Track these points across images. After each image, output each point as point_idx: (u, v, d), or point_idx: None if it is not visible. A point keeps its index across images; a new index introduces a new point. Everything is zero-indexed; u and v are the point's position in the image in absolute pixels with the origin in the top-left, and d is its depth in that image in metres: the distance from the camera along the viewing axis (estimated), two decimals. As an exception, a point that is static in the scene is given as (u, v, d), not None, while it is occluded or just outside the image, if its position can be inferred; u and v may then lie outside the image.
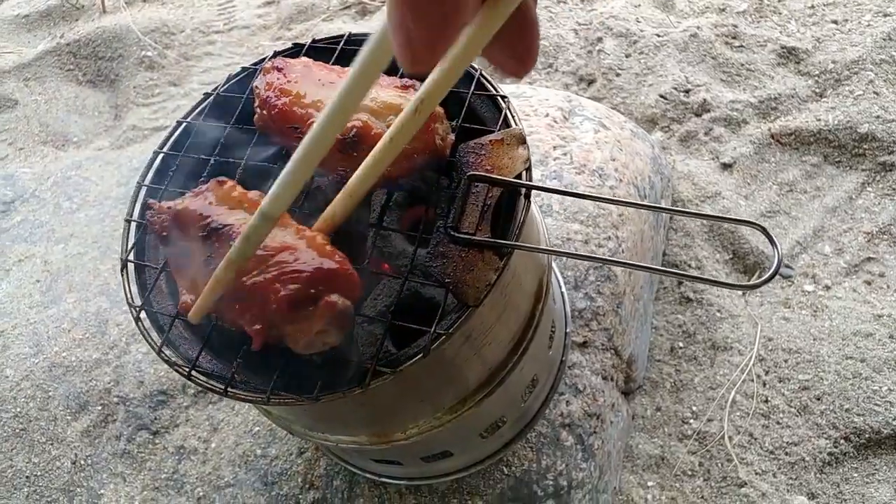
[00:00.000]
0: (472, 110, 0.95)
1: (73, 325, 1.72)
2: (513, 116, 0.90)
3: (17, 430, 1.61)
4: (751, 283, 0.69)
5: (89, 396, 1.59)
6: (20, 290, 1.93)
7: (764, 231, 0.70)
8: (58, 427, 1.59)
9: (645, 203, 0.80)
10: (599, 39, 2.48)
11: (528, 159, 0.84)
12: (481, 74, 0.96)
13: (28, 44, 3.17)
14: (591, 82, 2.41)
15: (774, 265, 0.68)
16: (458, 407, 0.98)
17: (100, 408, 1.58)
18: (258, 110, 0.89)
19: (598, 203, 1.51)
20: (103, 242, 2.01)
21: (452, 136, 0.88)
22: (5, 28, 3.25)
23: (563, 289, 1.40)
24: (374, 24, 2.80)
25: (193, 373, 0.82)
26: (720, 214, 0.76)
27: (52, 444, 1.58)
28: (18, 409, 1.63)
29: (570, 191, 0.83)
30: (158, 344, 0.87)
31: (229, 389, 0.80)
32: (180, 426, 1.52)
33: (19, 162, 2.73)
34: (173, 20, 3.06)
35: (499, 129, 0.88)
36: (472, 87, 0.94)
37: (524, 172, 0.84)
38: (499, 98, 0.93)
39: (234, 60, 2.91)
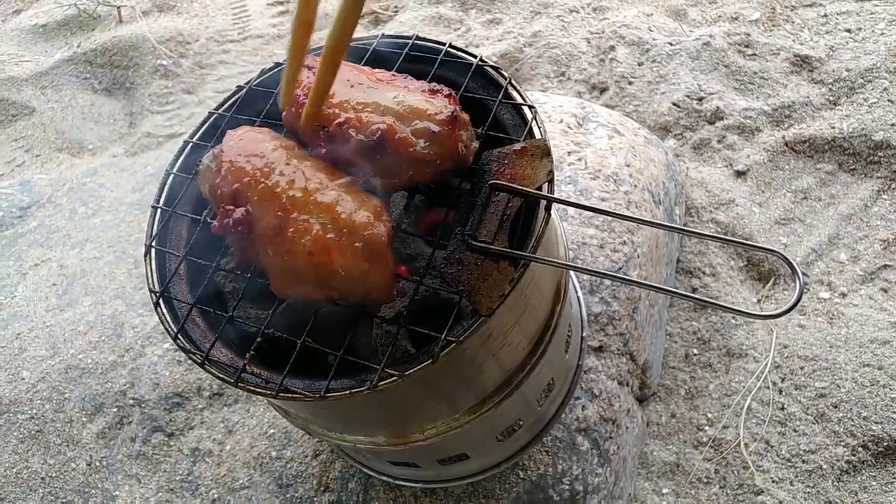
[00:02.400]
0: (499, 119, 0.94)
1: (89, 328, 1.73)
2: (539, 127, 0.90)
3: (33, 432, 1.62)
4: (771, 312, 0.69)
5: (105, 398, 1.60)
6: (37, 293, 1.94)
7: (786, 260, 0.69)
8: (73, 429, 1.60)
9: (676, 226, 0.80)
10: (612, 48, 2.48)
11: (552, 171, 0.84)
12: (510, 83, 0.96)
13: (45, 53, 3.21)
14: (603, 90, 2.42)
15: (796, 294, 0.68)
16: (476, 408, 0.98)
17: (115, 410, 1.59)
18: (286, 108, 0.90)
19: (613, 209, 1.51)
20: (118, 247, 2.02)
21: (476, 144, 0.89)
22: (23, 37, 3.30)
23: (580, 293, 1.40)
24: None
25: (206, 362, 0.83)
26: (746, 241, 0.76)
27: (67, 446, 1.58)
28: (34, 411, 1.63)
29: (595, 207, 0.82)
30: (175, 330, 0.87)
31: (240, 382, 0.81)
32: (195, 428, 1.52)
33: (36, 168, 2.76)
34: (188, 29, 3.09)
35: (524, 139, 0.88)
36: (500, 96, 0.94)
37: (546, 184, 0.84)
38: (526, 108, 0.93)
39: (248, 69, 2.93)
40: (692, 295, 0.72)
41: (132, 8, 3.26)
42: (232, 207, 0.81)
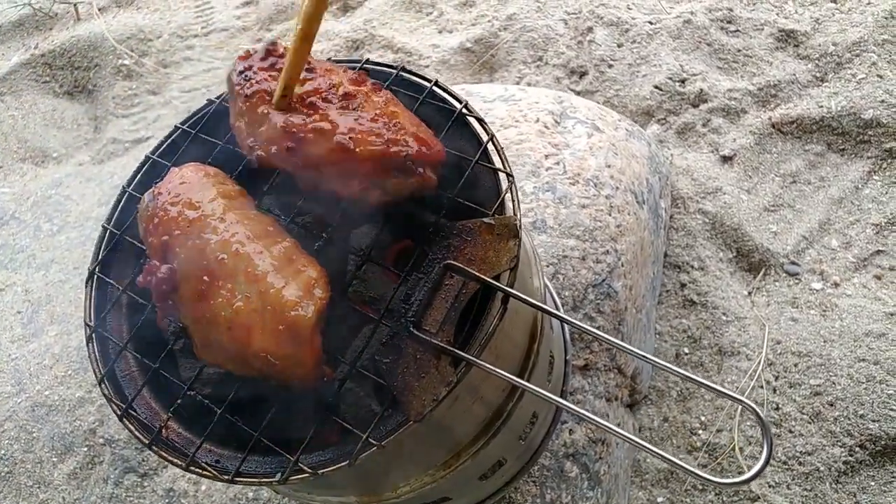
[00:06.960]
0: (473, 180, 0.85)
1: (55, 361, 1.66)
2: (514, 200, 0.81)
3: (3, 474, 1.55)
4: (736, 480, 0.62)
5: (74, 437, 1.54)
6: (1, 322, 1.86)
7: (754, 411, 0.63)
8: (44, 470, 1.54)
9: (637, 351, 0.73)
10: (590, 29, 2.38)
11: (517, 257, 0.75)
12: (492, 140, 0.86)
13: (2, 56, 3.07)
14: (582, 75, 2.32)
15: (763, 458, 0.61)
16: (452, 462, 0.92)
17: (85, 449, 1.52)
18: None
19: (594, 216, 1.43)
20: (84, 268, 1.93)
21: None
22: (-23, 41, 3.16)
23: (561, 312, 1.34)
24: (356, 22, 2.70)
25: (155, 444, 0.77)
26: (715, 385, 0.69)
27: (39, 488, 1.52)
28: (3, 452, 1.57)
29: (567, 318, 0.74)
30: (122, 409, 0.82)
31: (191, 466, 0.75)
32: (169, 468, 1.46)
33: (-2, 181, 2.65)
34: (149, 25, 2.96)
35: (493, 213, 0.79)
36: (477, 156, 0.84)
37: (508, 272, 0.75)
38: (503, 175, 0.83)
39: (213, 65, 2.81)
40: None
41: (89, 4, 3.11)
42: (157, 264, 0.74)
